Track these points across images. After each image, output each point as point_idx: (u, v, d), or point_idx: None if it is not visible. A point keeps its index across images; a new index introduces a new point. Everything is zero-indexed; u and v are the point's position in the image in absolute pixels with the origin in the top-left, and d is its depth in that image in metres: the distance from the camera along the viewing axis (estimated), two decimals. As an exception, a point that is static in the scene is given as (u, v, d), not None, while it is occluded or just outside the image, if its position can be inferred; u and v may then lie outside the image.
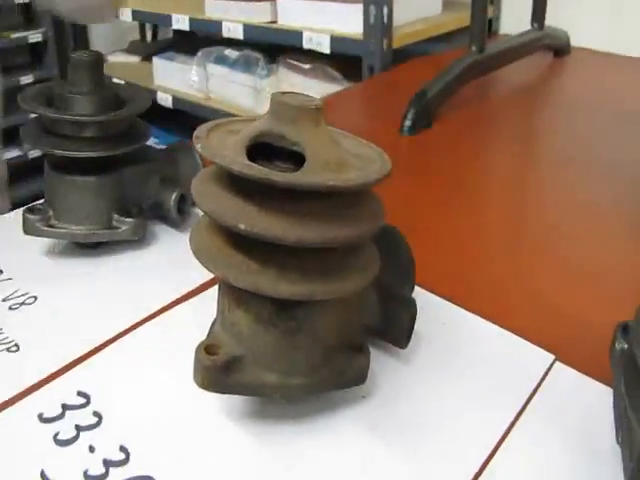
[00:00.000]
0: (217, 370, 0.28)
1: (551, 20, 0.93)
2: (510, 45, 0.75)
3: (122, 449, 0.28)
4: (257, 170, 0.25)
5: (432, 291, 0.37)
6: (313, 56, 1.10)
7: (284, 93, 0.28)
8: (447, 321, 0.36)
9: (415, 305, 0.32)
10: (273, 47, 1.18)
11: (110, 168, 0.39)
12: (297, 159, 0.26)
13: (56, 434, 0.29)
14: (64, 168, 0.38)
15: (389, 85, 0.89)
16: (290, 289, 0.26)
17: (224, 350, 0.28)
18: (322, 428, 0.29)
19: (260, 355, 0.29)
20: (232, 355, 0.28)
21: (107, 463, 0.28)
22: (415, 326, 0.31)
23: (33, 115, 0.38)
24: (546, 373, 0.32)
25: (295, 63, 1.15)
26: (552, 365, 0.32)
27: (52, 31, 1.92)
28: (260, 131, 0.27)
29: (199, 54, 1.28)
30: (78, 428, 0.29)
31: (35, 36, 1.90)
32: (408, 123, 0.60)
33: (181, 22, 1.26)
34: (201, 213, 0.28)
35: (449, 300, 0.37)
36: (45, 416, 0.30)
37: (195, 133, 0.28)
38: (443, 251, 0.44)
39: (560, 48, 0.94)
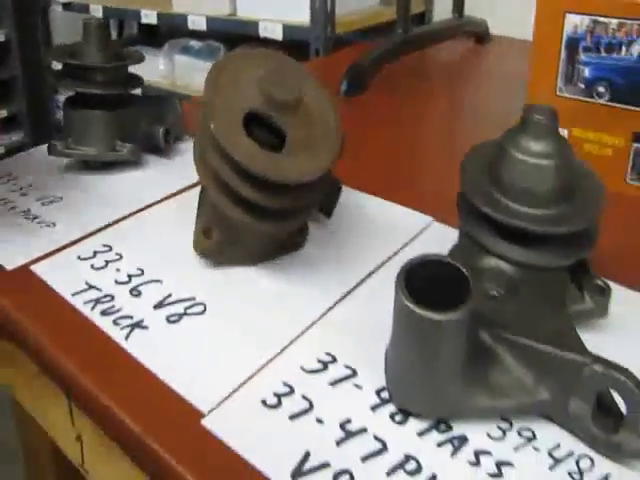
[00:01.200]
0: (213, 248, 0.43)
1: (475, 11, 1.12)
2: (431, 28, 0.93)
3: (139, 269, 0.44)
4: (240, 155, 0.37)
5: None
6: (268, 44, 1.27)
7: (272, 77, 0.39)
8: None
9: (339, 183, 0.48)
10: (233, 37, 1.34)
11: (114, 106, 0.54)
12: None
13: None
14: (81, 104, 0.53)
15: (331, 64, 1.06)
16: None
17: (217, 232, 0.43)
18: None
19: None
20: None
21: (130, 276, 0.43)
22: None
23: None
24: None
25: None
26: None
27: (15, 32, 2.04)
28: (251, 109, 0.38)
29: (166, 46, 1.46)
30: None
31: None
32: (344, 87, 0.76)
33: (149, 17, 1.42)
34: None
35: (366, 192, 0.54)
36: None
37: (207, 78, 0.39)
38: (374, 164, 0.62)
39: (481, 35, 1.12)
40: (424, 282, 0.32)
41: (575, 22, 0.52)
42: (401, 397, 0.35)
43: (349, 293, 0.43)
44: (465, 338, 0.32)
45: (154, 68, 1.47)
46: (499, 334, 0.34)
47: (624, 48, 0.51)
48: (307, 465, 0.32)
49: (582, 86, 0.54)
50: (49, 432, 0.49)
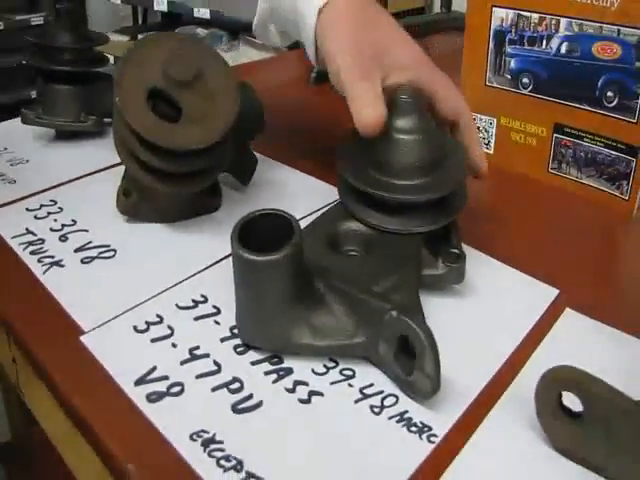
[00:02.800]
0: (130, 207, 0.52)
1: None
2: (422, 20, 1.00)
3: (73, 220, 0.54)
4: (138, 125, 0.44)
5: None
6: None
7: (173, 57, 0.46)
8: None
9: (254, 156, 0.56)
10: (235, 26, 1.49)
11: (81, 82, 0.64)
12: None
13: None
14: (52, 79, 0.63)
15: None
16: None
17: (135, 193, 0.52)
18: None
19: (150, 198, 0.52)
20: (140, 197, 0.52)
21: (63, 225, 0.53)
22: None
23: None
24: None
25: (251, 39, 1.48)
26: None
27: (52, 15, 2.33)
28: (154, 87, 0.46)
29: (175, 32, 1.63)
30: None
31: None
32: (313, 75, 0.84)
33: (160, 4, 1.58)
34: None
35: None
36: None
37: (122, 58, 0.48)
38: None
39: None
40: (266, 233, 0.39)
41: (501, 15, 0.58)
42: (243, 333, 0.42)
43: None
44: (286, 279, 0.38)
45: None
46: (331, 283, 0.41)
47: (544, 42, 0.56)
48: (150, 376, 0.39)
49: (508, 77, 0.59)
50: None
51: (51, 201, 0.57)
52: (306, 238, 0.40)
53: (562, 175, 0.58)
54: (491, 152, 0.63)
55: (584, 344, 0.42)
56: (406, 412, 0.37)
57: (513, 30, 0.57)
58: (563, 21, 0.54)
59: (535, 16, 0.55)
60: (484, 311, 0.45)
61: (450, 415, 0.37)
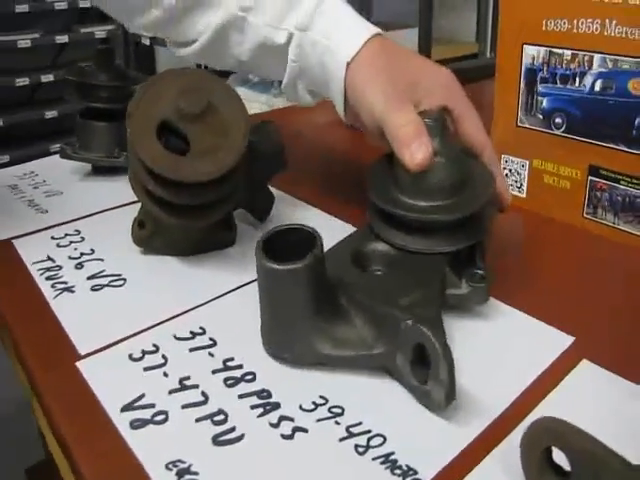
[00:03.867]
0: (144, 238, 0.54)
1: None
2: (471, 65, 1.00)
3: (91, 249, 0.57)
4: (147, 157, 0.47)
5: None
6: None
7: (184, 91, 0.49)
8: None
9: (272, 193, 0.57)
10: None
11: (116, 119, 0.67)
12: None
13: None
14: (88, 116, 0.67)
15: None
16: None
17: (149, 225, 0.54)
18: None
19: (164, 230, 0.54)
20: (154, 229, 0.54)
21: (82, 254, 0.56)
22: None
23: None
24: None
25: None
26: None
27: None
28: (165, 120, 0.48)
29: (230, 78, 1.70)
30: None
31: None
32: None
33: None
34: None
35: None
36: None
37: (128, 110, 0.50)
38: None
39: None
40: (291, 247, 0.41)
41: (532, 53, 0.57)
42: (266, 344, 0.44)
43: (246, 285, 0.51)
44: (306, 289, 0.40)
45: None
46: (353, 297, 0.42)
47: (577, 79, 0.55)
48: (137, 403, 0.40)
49: (540, 117, 0.58)
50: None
51: (75, 231, 0.60)
52: (332, 256, 0.43)
53: (598, 220, 0.56)
54: (524, 196, 0.62)
55: (596, 398, 0.40)
56: (392, 454, 0.36)
57: (545, 68, 0.57)
58: (597, 57, 0.53)
59: (567, 53, 0.55)
60: (498, 349, 0.44)
61: (439, 459, 0.36)
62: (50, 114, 3.02)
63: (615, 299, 0.50)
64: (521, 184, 0.62)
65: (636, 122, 0.52)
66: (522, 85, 0.59)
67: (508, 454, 0.36)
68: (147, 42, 2.87)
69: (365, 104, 0.51)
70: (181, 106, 0.48)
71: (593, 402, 0.39)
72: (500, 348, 0.44)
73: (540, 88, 0.58)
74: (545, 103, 0.58)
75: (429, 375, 0.37)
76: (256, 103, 1.68)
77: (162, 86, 0.49)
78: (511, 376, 0.42)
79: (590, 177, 0.56)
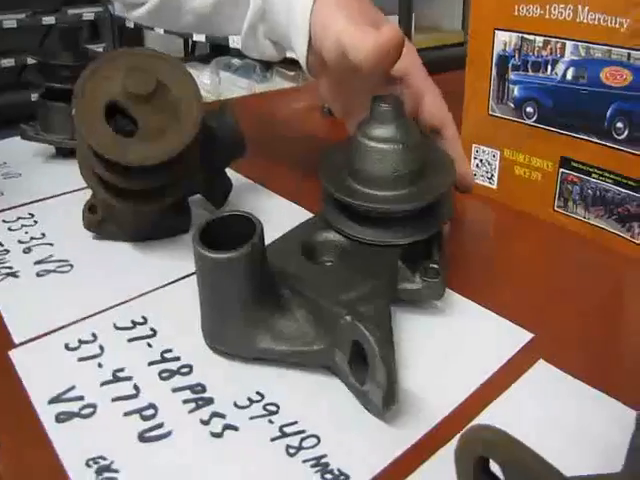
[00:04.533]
0: (95, 223, 0.52)
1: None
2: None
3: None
4: (92, 138, 0.44)
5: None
6: (298, 65, 1.43)
7: (133, 72, 0.46)
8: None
9: (230, 180, 0.55)
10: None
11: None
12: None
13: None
14: (50, 96, 0.65)
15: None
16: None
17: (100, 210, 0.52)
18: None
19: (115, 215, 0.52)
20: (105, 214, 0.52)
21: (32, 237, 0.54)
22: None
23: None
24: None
25: (283, 71, 1.52)
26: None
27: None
28: (113, 101, 0.46)
29: (212, 62, 1.69)
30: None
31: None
32: (327, 106, 0.82)
33: (198, 35, 1.66)
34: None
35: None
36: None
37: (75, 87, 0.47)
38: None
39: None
40: (234, 237, 0.38)
41: (504, 39, 0.55)
42: (206, 335, 0.41)
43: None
44: (243, 279, 0.38)
45: (199, 82, 1.70)
46: (295, 289, 0.40)
47: (549, 67, 0.53)
48: (65, 395, 0.38)
49: (512, 106, 0.56)
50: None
51: (29, 214, 0.58)
52: (281, 245, 0.41)
53: (568, 214, 0.54)
54: (494, 187, 0.59)
55: (548, 401, 0.38)
56: (324, 456, 0.34)
57: (516, 55, 0.54)
58: (569, 44, 0.51)
59: (539, 39, 0.52)
60: (452, 346, 0.42)
61: (373, 465, 0.34)
62: (36, 96, 2.99)
63: (580, 298, 0.47)
64: (492, 175, 0.59)
65: (608, 113, 0.50)
66: (494, 72, 0.56)
67: (447, 461, 0.34)
68: (131, 25, 2.82)
69: (329, 33, 0.48)
70: (128, 86, 0.45)
71: (544, 406, 0.37)
72: (454, 345, 0.42)
73: (512, 76, 0.55)
74: (516, 92, 0.55)
75: (367, 376, 0.35)
76: (237, 88, 1.66)
77: (110, 66, 0.47)
78: (462, 376, 0.39)
79: (561, 169, 0.54)
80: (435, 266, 0.44)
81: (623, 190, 0.50)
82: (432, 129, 0.51)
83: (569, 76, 0.52)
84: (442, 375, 0.40)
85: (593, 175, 0.52)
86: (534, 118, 0.54)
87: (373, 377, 0.35)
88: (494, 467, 0.29)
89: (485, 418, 0.36)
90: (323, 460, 0.34)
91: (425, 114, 0.51)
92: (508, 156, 0.57)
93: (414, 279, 0.43)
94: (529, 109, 0.55)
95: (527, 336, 0.43)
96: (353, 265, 0.43)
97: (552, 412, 0.37)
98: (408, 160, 0.44)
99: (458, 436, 0.35)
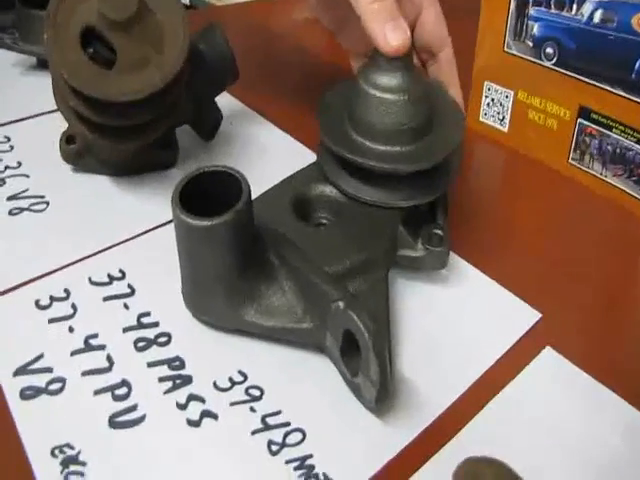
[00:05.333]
0: (73, 155, 0.44)
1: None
2: None
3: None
4: (66, 68, 0.36)
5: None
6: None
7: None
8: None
9: (220, 110, 0.47)
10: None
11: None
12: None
13: None
14: (30, 4, 0.55)
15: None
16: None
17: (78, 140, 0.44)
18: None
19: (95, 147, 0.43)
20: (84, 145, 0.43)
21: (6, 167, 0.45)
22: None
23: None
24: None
25: None
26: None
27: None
28: (87, 27, 0.37)
29: None
30: None
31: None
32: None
33: None
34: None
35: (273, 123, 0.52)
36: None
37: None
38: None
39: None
40: (218, 193, 0.31)
41: (530, -31, 0.45)
42: (187, 303, 0.35)
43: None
44: (226, 248, 0.31)
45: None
46: (285, 257, 0.33)
47: (575, 6, 0.43)
48: (33, 366, 0.32)
49: (530, 44, 0.46)
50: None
51: (5, 137, 0.49)
52: (272, 197, 0.34)
53: (583, 169, 0.47)
54: (505, 130, 0.51)
55: (553, 394, 0.32)
56: (309, 457, 0.29)
57: (542, -12, 0.44)
58: (602, -19, 0.41)
59: (570, -28, 0.42)
60: (454, 324, 0.36)
61: (361, 473, 0.29)
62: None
63: (592, 271, 0.40)
64: (503, 117, 0.51)
65: (637, 64, 0.41)
66: (512, 5, 0.46)
67: (443, 466, 0.28)
68: None
69: None
70: (104, 10, 0.36)
71: (549, 403, 0.32)
72: (456, 322, 0.36)
73: (532, 11, 0.45)
74: (536, 29, 0.46)
75: (360, 368, 0.30)
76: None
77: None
78: (462, 363, 0.34)
79: (580, 120, 0.45)
80: (439, 232, 0.37)
81: (646, 150, 0.42)
82: (426, 50, 0.43)
83: (596, 18, 0.42)
84: (441, 360, 0.34)
85: (614, 130, 0.44)
86: (554, 60, 0.45)
87: (366, 372, 0.29)
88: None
89: (485, 416, 0.31)
90: (308, 462, 0.29)
91: (423, 33, 0.42)
92: (522, 98, 0.48)
93: (416, 246, 0.37)
94: (549, 50, 0.45)
95: (535, 317, 0.37)
96: (349, 227, 0.37)
97: (557, 408, 0.32)
98: (415, 113, 0.36)
99: (457, 437, 0.30)
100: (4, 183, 0.44)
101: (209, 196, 0.32)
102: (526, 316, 0.37)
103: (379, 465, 0.29)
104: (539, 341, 0.35)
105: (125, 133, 0.40)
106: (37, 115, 0.52)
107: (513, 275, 0.39)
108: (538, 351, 0.35)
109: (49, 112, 0.52)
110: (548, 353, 0.34)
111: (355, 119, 0.37)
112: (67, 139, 0.43)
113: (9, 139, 0.49)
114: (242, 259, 0.32)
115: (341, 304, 0.30)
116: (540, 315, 0.37)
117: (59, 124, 0.45)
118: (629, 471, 0.29)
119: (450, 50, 0.43)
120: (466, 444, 0.30)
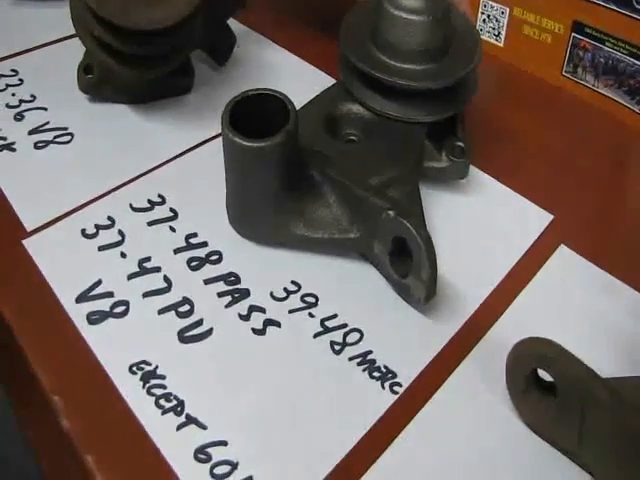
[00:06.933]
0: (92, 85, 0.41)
1: None
2: None
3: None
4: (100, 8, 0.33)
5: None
6: None
7: None
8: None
9: (233, 33, 0.44)
10: None
11: None
12: None
13: None
14: None
15: None
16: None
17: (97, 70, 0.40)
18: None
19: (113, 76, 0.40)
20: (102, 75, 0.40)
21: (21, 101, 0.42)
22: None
23: None
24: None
25: None
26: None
27: None
28: None
29: None
30: None
31: None
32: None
33: None
34: None
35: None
36: None
37: None
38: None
39: None
40: (259, 115, 0.30)
41: None
42: (233, 222, 0.34)
43: (209, 141, 0.40)
44: (277, 167, 0.30)
45: None
46: (328, 173, 0.32)
47: None
48: (93, 292, 0.31)
49: (528, -42, 0.45)
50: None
51: (12, 71, 0.45)
52: (302, 118, 0.32)
53: (577, 80, 0.46)
54: (501, 45, 0.50)
55: (572, 289, 0.33)
56: (370, 352, 0.29)
57: None
58: None
59: None
60: (476, 229, 0.36)
61: (417, 361, 0.29)
62: None
63: (590, 174, 0.41)
64: (499, 32, 0.49)
65: (634, -25, 0.40)
66: None
67: (486, 355, 0.29)
68: None
69: None
70: None
71: (569, 294, 0.33)
72: (478, 228, 0.36)
73: None
74: (536, -57, 0.44)
75: (410, 270, 0.30)
76: None
77: None
78: (489, 262, 0.34)
79: (573, 34, 0.44)
80: (461, 144, 0.36)
81: (637, 62, 0.42)
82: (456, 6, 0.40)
83: None
84: (469, 262, 0.34)
85: (607, 43, 0.43)
86: (552, -26, 0.44)
87: (417, 273, 0.29)
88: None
89: (515, 311, 0.32)
90: (369, 357, 0.29)
91: None
92: (517, 14, 0.47)
93: (440, 157, 0.36)
94: (548, -37, 0.44)
95: (547, 218, 0.37)
96: (379, 143, 0.36)
97: (576, 302, 0.32)
98: (438, 33, 0.35)
99: (493, 329, 0.31)
100: (22, 117, 0.41)
101: (253, 118, 0.30)
102: (539, 218, 0.37)
103: (433, 353, 0.29)
104: (554, 240, 0.36)
105: (151, 61, 0.37)
106: (43, 45, 0.47)
107: (524, 182, 0.39)
108: (554, 249, 0.35)
109: (56, 41, 0.48)
110: (563, 250, 0.35)
111: (379, 39, 0.36)
112: (85, 69, 0.40)
113: (17, 72, 0.45)
114: (290, 177, 0.31)
115: (391, 213, 0.29)
116: (552, 217, 0.37)
117: (68, 52, 0.41)
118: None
119: None
120: (504, 332, 0.30)
